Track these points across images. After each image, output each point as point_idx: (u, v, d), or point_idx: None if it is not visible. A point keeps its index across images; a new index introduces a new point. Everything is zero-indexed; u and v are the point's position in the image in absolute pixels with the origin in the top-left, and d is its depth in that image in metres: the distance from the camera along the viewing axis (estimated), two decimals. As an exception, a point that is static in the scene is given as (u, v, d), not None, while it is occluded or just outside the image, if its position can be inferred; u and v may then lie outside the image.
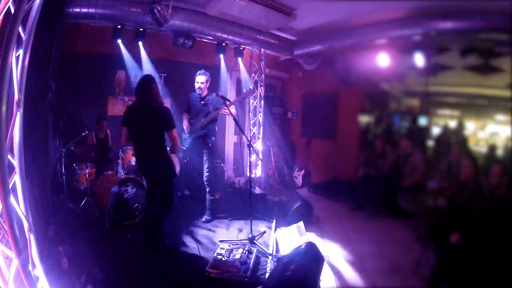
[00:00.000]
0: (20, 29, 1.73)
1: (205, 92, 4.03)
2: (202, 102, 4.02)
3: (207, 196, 4.14)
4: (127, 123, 3.14)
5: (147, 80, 3.14)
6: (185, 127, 4.08)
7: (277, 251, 3.34)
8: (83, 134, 4.18)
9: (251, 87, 4.05)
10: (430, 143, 4.52)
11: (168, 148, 3.23)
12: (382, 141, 5.22)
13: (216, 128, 4.15)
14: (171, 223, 3.80)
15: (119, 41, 4.74)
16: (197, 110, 4.05)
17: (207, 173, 4.04)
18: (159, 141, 3.13)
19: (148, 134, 3.09)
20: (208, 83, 4.04)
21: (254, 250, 3.17)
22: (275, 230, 3.89)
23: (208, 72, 4.10)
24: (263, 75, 6.41)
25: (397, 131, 5.13)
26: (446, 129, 4.31)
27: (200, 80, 3.96)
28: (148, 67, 5.36)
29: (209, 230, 3.88)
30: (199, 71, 4.00)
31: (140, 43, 4.89)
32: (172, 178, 3.21)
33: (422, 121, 4.69)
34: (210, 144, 4.06)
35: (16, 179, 1.75)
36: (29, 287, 1.65)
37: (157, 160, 3.12)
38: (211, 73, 4.27)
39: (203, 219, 4.09)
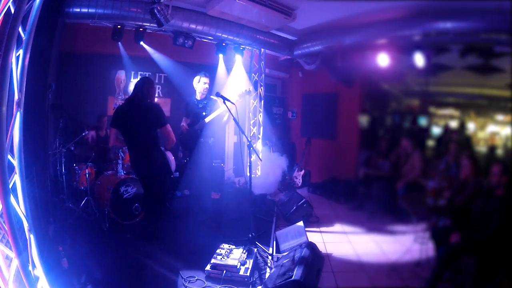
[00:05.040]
0: (20, 29, 1.73)
1: (203, 95, 4.05)
2: (200, 105, 4.04)
3: None
4: (116, 124, 3.10)
5: (141, 79, 3.16)
6: (183, 129, 4.10)
7: (277, 251, 3.34)
8: (83, 134, 4.18)
9: (248, 89, 4.07)
10: (430, 142, 4.52)
11: (162, 148, 3.23)
12: (382, 141, 5.22)
13: (215, 129, 4.15)
14: (170, 222, 3.80)
15: (119, 41, 4.74)
16: (195, 113, 4.06)
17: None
18: (153, 139, 3.08)
19: (140, 133, 3.04)
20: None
21: (254, 250, 3.18)
22: (275, 230, 3.89)
23: (207, 72, 4.13)
24: (263, 75, 6.41)
25: (397, 131, 5.13)
26: (446, 129, 4.30)
27: (205, 81, 4.01)
28: (148, 67, 5.37)
29: (209, 229, 3.87)
30: (203, 74, 4.02)
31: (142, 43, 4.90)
32: (169, 176, 3.22)
33: (422, 121, 4.69)
34: (210, 145, 4.08)
35: (16, 179, 1.75)
36: (29, 287, 1.65)
37: (152, 160, 3.07)
38: (211, 73, 4.29)
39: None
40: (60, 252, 2.66)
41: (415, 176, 4.27)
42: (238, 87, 5.66)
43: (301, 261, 2.60)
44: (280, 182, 6.22)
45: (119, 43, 4.79)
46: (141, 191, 3.83)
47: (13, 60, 1.67)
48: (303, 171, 6.48)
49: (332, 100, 6.45)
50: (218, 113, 3.90)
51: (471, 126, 4.13)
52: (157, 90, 5.77)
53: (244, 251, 3.06)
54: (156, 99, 3.59)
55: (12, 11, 1.65)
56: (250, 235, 3.45)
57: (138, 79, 3.22)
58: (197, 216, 4.18)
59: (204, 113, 4.01)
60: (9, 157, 1.67)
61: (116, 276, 2.69)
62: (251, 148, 3.59)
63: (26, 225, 1.74)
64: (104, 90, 5.47)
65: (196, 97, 4.09)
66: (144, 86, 3.06)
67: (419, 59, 4.36)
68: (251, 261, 2.94)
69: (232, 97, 3.60)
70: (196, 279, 2.73)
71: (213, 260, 2.85)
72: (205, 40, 5.32)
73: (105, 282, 2.55)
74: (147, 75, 5.57)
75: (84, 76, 5.15)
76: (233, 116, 3.53)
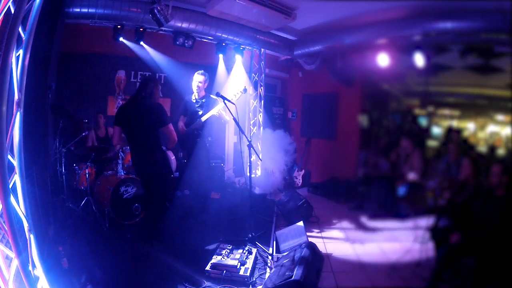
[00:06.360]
0: (20, 29, 1.73)
1: (202, 93, 4.02)
2: (198, 104, 4.02)
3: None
4: (119, 122, 3.10)
5: (146, 78, 3.16)
6: (180, 128, 4.10)
7: (277, 251, 3.34)
8: (83, 134, 4.18)
9: (244, 88, 4.06)
10: (431, 142, 4.52)
11: (163, 147, 3.22)
12: (381, 141, 5.22)
13: (213, 128, 4.14)
14: (170, 222, 3.80)
15: (119, 41, 4.74)
16: (192, 112, 4.05)
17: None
18: (154, 138, 3.08)
19: (142, 132, 3.04)
20: (206, 84, 4.03)
21: (254, 250, 3.18)
22: (275, 230, 3.89)
23: (207, 72, 4.10)
24: (263, 75, 6.41)
25: (396, 131, 5.13)
26: (449, 129, 4.30)
27: (199, 79, 3.95)
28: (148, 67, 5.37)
29: (209, 229, 3.87)
30: (197, 71, 4.00)
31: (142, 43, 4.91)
32: (169, 176, 3.21)
33: (422, 121, 4.69)
34: (207, 145, 4.07)
35: (16, 179, 1.75)
36: (29, 287, 1.65)
37: (153, 159, 3.07)
38: (211, 73, 4.28)
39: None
40: (60, 252, 2.66)
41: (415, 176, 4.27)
42: (237, 87, 5.67)
43: (301, 261, 2.60)
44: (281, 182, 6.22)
45: (123, 40, 4.77)
46: (141, 191, 3.84)
47: (13, 60, 1.67)
48: (303, 171, 6.48)
49: (332, 100, 6.45)
50: (213, 113, 3.87)
51: (471, 126, 4.13)
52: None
53: (244, 251, 3.06)
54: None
55: (12, 11, 1.65)
56: (250, 235, 3.45)
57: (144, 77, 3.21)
58: (197, 216, 4.19)
59: (200, 112, 3.99)
60: (9, 157, 1.67)
61: (116, 276, 2.69)
62: (251, 148, 3.60)
63: (26, 225, 1.74)
64: (104, 90, 5.47)
65: (194, 95, 4.07)
66: (149, 85, 3.07)
67: (419, 59, 4.36)
68: (251, 261, 2.94)
69: (229, 97, 3.60)
70: (196, 279, 2.73)
71: (213, 260, 2.85)
72: (205, 40, 5.32)
73: (105, 282, 2.55)
74: (146, 75, 5.58)
75: (84, 76, 5.15)
76: (233, 116, 3.53)
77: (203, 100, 4.02)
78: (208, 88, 4.14)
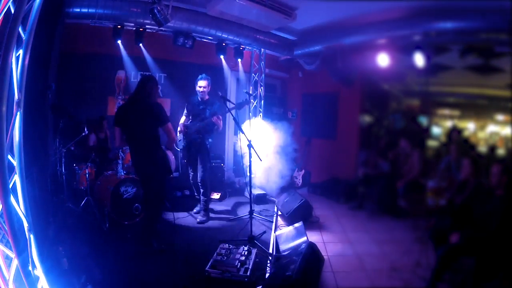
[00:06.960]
0: (20, 29, 1.73)
1: (206, 96, 4.05)
2: (201, 106, 4.04)
3: (201, 197, 4.16)
4: (119, 122, 3.11)
5: (145, 78, 3.16)
6: (181, 129, 4.10)
7: (277, 251, 3.34)
8: (83, 134, 4.18)
9: (246, 98, 4.10)
10: (430, 143, 4.52)
11: (163, 146, 3.22)
12: (382, 141, 5.22)
13: (213, 130, 4.14)
14: (170, 222, 3.81)
15: (119, 41, 4.74)
16: (195, 114, 4.07)
17: (201, 174, 4.07)
18: (153, 138, 3.09)
19: (142, 131, 3.05)
20: (209, 87, 4.07)
21: (254, 250, 3.18)
22: (275, 230, 3.89)
23: (208, 73, 4.13)
24: (263, 75, 6.41)
25: (396, 131, 5.13)
26: (452, 130, 4.30)
27: (202, 84, 4.00)
28: (148, 67, 5.38)
29: (209, 229, 3.88)
30: (200, 76, 4.03)
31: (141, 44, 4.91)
32: (168, 176, 3.21)
33: (422, 121, 4.69)
34: (208, 146, 4.08)
35: (16, 179, 1.75)
36: (29, 287, 1.65)
37: (152, 159, 3.08)
38: (211, 73, 4.29)
39: (198, 219, 4.09)
40: (60, 252, 2.66)
41: (414, 176, 4.27)
42: (239, 88, 5.67)
43: (301, 261, 2.60)
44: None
45: (119, 42, 4.78)
46: (141, 191, 3.84)
47: (13, 60, 1.67)
48: (303, 171, 6.48)
49: (332, 100, 6.45)
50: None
51: (470, 126, 4.13)
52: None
53: (244, 251, 3.06)
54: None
55: (12, 11, 1.65)
56: (250, 235, 3.46)
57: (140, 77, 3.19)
58: (196, 216, 4.19)
59: (204, 115, 4.01)
60: (9, 157, 1.68)
61: (116, 276, 2.69)
62: (251, 148, 3.60)
63: (26, 225, 1.74)
64: (104, 90, 5.47)
65: (198, 98, 4.09)
66: (147, 84, 3.07)
67: (419, 59, 4.36)
68: (251, 261, 2.93)
69: (232, 105, 3.63)
70: (196, 279, 2.73)
71: (213, 260, 2.85)
72: (205, 40, 5.32)
73: (105, 282, 2.55)
74: (146, 74, 5.57)
75: (84, 76, 5.14)
76: (233, 116, 3.53)
77: (206, 104, 4.06)
78: (206, 91, 4.14)
